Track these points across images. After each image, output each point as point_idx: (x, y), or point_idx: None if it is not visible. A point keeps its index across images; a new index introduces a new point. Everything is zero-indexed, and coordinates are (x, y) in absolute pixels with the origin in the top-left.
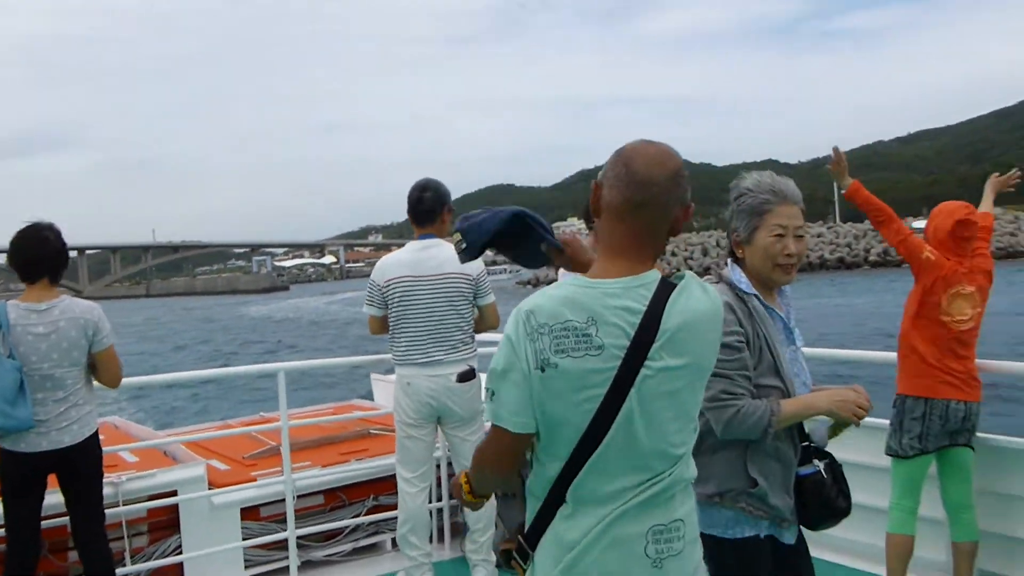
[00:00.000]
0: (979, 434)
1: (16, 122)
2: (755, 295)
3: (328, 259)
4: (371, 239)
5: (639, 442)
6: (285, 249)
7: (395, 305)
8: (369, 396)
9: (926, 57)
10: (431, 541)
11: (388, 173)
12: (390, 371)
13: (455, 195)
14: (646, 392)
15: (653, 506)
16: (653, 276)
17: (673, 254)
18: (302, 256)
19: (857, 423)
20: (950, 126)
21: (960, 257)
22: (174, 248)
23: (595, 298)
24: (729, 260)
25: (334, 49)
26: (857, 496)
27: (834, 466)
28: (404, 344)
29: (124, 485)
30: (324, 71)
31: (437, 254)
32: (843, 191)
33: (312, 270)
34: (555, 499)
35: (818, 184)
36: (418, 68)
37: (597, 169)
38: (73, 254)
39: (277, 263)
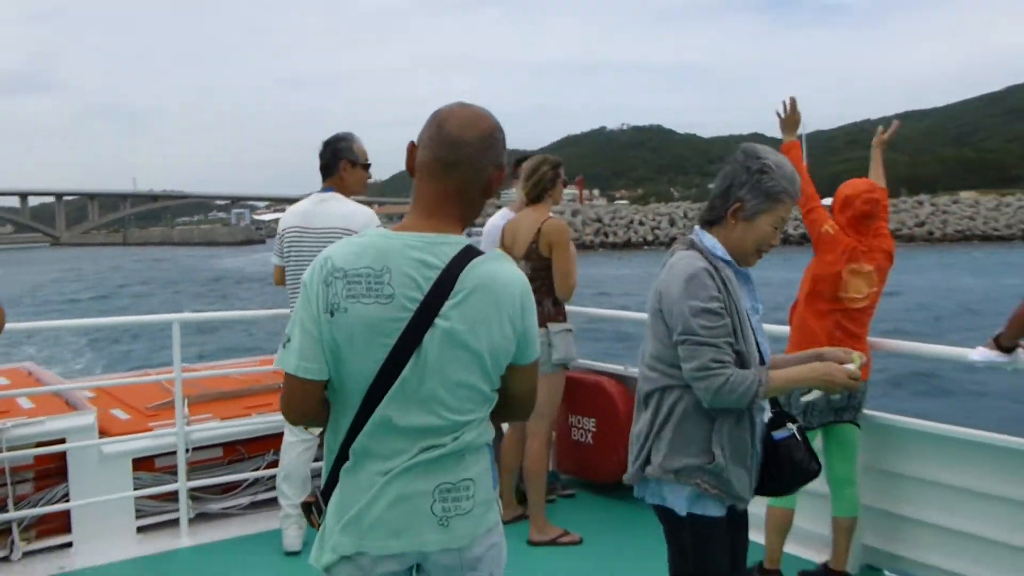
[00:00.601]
0: (866, 411)
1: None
2: (730, 262)
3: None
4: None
5: (423, 400)
6: (267, 203)
7: (287, 255)
8: None
9: (923, 37)
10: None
11: (374, 130)
12: None
13: None
14: (433, 349)
15: (439, 466)
16: (460, 240)
17: (641, 223)
18: (283, 210)
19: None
20: (938, 108)
21: (860, 235)
22: (153, 197)
23: (395, 248)
24: (698, 228)
25: (317, 6)
26: None
27: (801, 429)
28: (292, 295)
29: (9, 431)
30: (313, 23)
31: (330, 208)
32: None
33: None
34: (344, 454)
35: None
36: (407, 25)
37: (583, 134)
38: (50, 199)
39: (257, 216)
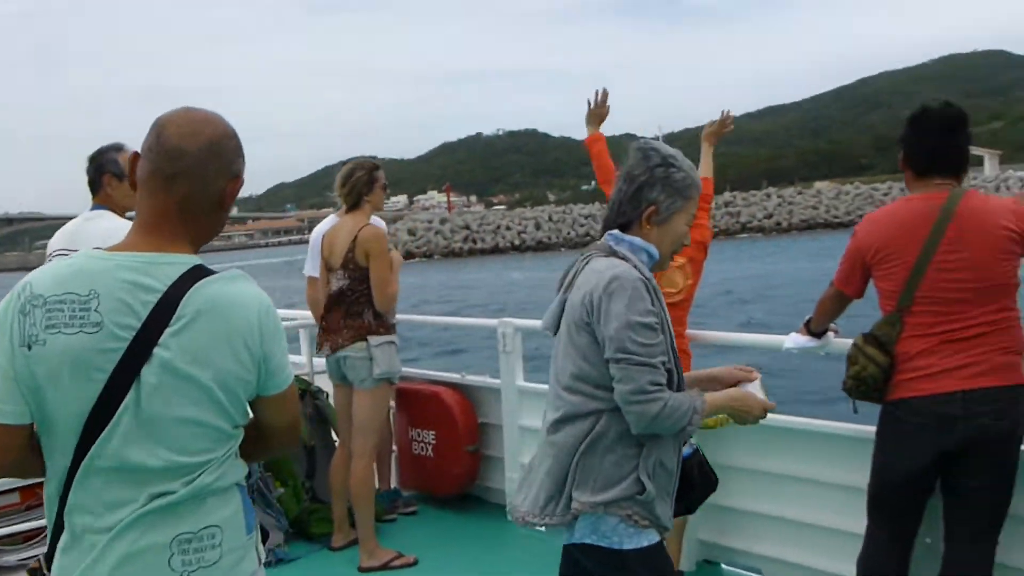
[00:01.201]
0: None
1: None
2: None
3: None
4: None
5: (145, 441)
6: None
7: None
8: None
9: (779, 34)
10: None
11: (247, 145)
12: None
13: (317, 166)
14: (152, 383)
15: (174, 514)
16: (186, 259)
17: (508, 228)
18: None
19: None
20: (796, 103)
21: None
22: (8, 221)
23: (105, 270)
24: (616, 232)
25: (190, 12)
26: None
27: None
28: None
29: None
30: (180, 34)
31: (93, 227)
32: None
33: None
34: (62, 507)
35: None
36: (277, 35)
37: (459, 141)
38: None
39: None
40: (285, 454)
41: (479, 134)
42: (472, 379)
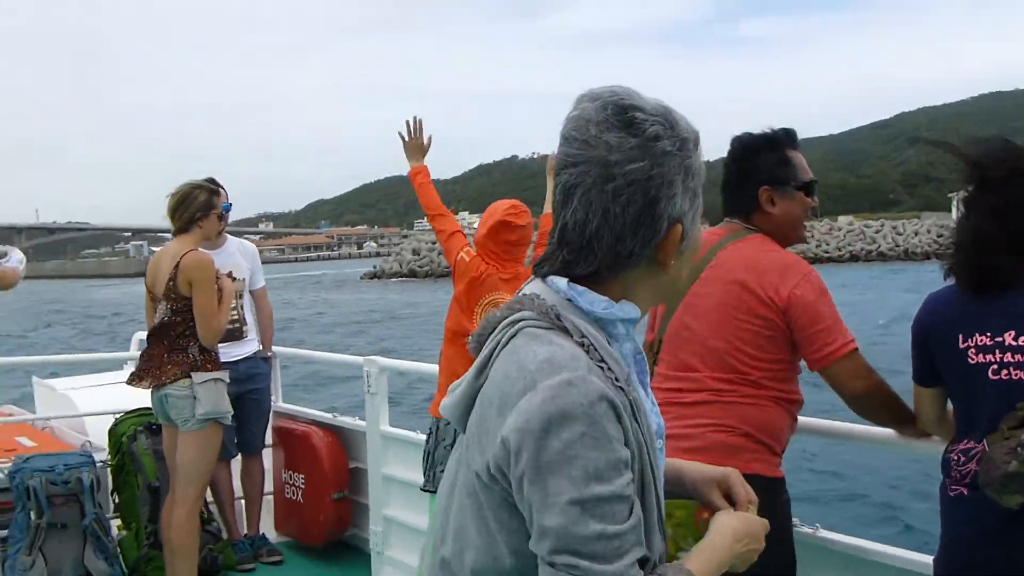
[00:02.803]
0: None
1: None
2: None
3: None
4: (262, 227)
5: None
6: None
7: None
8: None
9: (820, 66)
10: None
11: (285, 160)
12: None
13: (355, 184)
14: None
15: None
16: None
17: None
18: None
19: None
20: (833, 135)
21: (505, 261)
22: (50, 230)
23: None
24: (563, 284)
25: (232, 33)
26: None
27: None
28: None
29: None
30: (223, 54)
31: None
32: (408, 169)
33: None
34: None
35: (709, 186)
36: (314, 53)
37: (495, 163)
38: None
39: (155, 248)
40: (132, 494)
41: (514, 156)
42: (344, 420)
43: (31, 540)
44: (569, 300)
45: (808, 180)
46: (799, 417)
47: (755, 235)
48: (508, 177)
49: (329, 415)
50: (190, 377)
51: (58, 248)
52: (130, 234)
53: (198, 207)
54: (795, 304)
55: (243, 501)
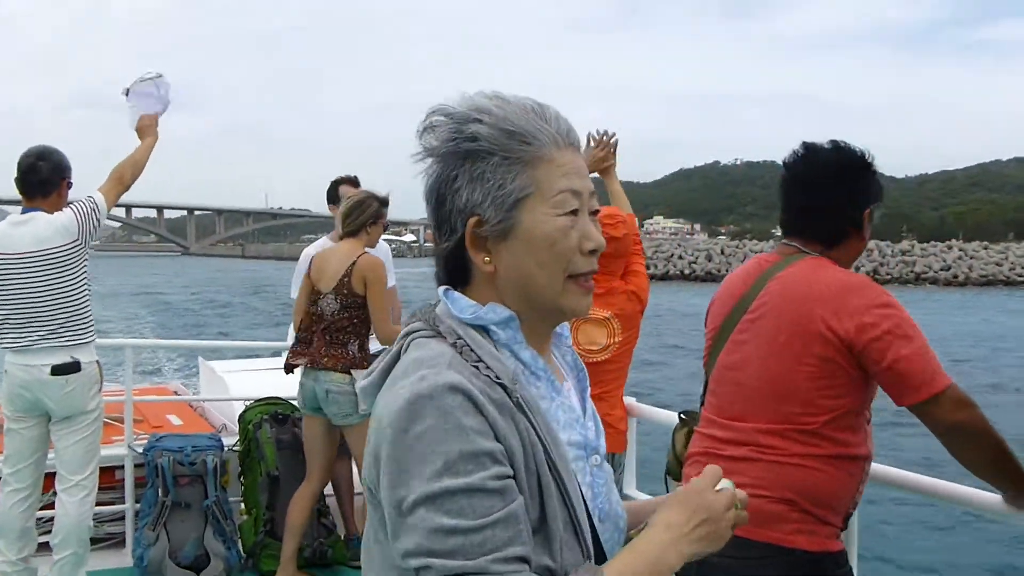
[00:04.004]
0: (632, 492)
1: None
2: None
3: (408, 237)
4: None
5: None
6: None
7: None
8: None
9: None
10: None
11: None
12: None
13: None
14: None
15: None
16: None
17: (680, 257)
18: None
19: None
20: None
21: (597, 274)
22: (273, 215)
23: None
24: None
25: (451, 29)
26: None
27: None
28: (2, 329)
29: None
30: (450, 50)
31: (35, 229)
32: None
33: (393, 246)
34: None
35: (924, 201)
36: (531, 52)
37: (696, 168)
38: (183, 213)
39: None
40: (254, 480)
41: (717, 162)
42: None
43: (156, 516)
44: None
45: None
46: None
47: (811, 257)
48: (707, 183)
49: None
50: (350, 374)
51: (279, 232)
52: None
53: (370, 215)
54: (865, 335)
55: (361, 497)
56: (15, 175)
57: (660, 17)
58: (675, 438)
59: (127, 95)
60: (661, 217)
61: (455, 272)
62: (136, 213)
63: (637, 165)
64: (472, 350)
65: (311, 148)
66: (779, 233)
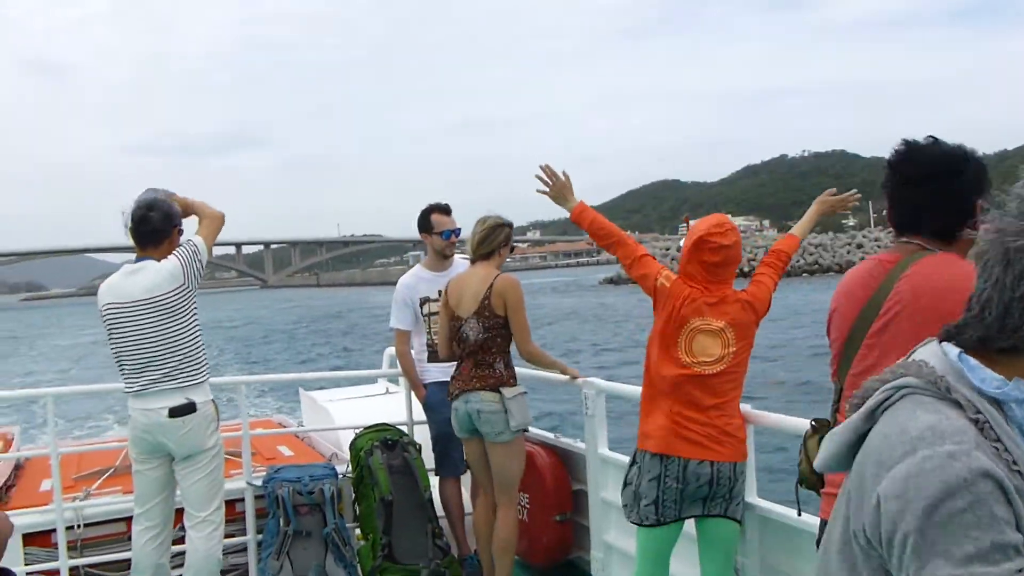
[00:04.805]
0: (753, 500)
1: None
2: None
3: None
4: (529, 235)
5: None
6: None
7: (109, 334)
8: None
9: None
10: None
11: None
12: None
13: (621, 190)
14: None
15: None
16: None
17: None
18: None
19: None
20: None
21: (709, 284)
22: (345, 243)
23: None
24: (956, 353)
25: (501, 45)
26: None
27: None
28: (123, 374)
29: None
30: (493, 68)
31: (144, 277)
32: (568, 213)
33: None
34: None
35: (1005, 177)
36: (580, 61)
37: (763, 164)
38: (260, 248)
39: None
40: (369, 506)
41: (783, 156)
42: (565, 441)
43: (279, 545)
44: (960, 372)
45: None
46: None
47: (937, 254)
48: (776, 177)
49: (551, 435)
50: (499, 392)
51: (352, 259)
52: (412, 244)
53: (501, 241)
54: None
55: (471, 518)
56: (128, 225)
57: (702, 15)
58: (807, 446)
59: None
60: (730, 215)
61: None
62: (216, 251)
63: (702, 165)
64: (992, 428)
65: (380, 174)
66: (884, 228)
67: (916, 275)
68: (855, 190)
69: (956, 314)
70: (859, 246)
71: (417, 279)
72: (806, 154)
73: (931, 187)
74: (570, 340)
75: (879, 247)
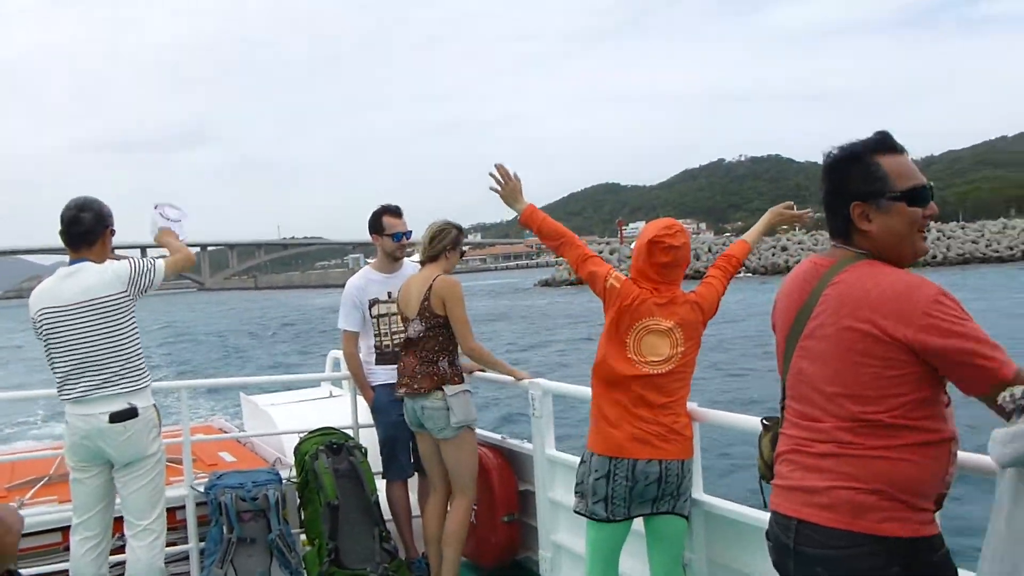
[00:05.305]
0: (700, 496)
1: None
2: None
3: (418, 256)
4: (471, 237)
5: None
6: None
7: (45, 341)
8: None
9: None
10: None
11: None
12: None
13: (562, 193)
14: None
15: None
16: None
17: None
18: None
19: None
20: None
21: (659, 284)
22: (284, 245)
23: None
24: None
25: (466, 49)
26: None
27: None
28: (58, 380)
29: None
30: (468, 71)
31: (82, 279)
32: (518, 215)
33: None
34: None
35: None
36: (532, 66)
37: (701, 168)
38: (197, 250)
39: (369, 260)
40: (314, 511)
41: (721, 160)
42: (512, 442)
43: (223, 553)
44: None
45: (909, 187)
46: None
47: (863, 261)
48: (713, 181)
49: (498, 436)
50: (442, 390)
51: (291, 261)
52: (352, 247)
53: (448, 243)
54: (925, 336)
55: (419, 520)
56: (59, 228)
57: (657, 21)
58: (761, 444)
59: (156, 208)
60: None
61: None
62: (151, 253)
63: (642, 169)
64: None
65: (324, 177)
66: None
67: (842, 283)
68: (809, 209)
69: (872, 325)
70: (783, 248)
71: (367, 280)
72: (743, 158)
73: (822, 191)
74: (510, 342)
75: (803, 250)
